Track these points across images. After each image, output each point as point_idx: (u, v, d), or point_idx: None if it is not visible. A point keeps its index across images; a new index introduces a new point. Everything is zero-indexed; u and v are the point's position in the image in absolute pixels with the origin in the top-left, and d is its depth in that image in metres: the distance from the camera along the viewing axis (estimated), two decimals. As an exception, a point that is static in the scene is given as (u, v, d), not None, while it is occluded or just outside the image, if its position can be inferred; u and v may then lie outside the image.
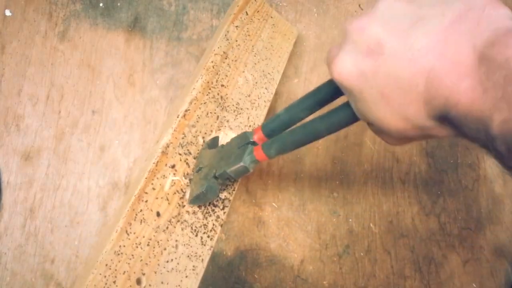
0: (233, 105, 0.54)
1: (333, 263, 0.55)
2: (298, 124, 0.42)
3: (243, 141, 0.46)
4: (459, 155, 0.61)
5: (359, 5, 0.67)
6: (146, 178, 0.47)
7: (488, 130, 0.25)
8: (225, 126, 0.53)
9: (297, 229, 0.56)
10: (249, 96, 0.55)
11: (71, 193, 0.55)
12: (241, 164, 0.43)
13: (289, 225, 0.56)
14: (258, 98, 0.56)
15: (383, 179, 0.59)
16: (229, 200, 0.50)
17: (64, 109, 0.59)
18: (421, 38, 0.28)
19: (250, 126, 0.54)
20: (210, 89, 0.54)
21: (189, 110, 0.52)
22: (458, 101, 0.26)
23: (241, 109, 0.54)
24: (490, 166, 0.61)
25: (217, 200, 0.50)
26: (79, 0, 0.63)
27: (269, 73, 0.58)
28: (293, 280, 0.54)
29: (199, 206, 0.49)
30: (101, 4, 0.64)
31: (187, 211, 0.48)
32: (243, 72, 0.56)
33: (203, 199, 0.48)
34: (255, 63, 0.57)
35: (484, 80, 0.25)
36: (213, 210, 0.49)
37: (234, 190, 0.51)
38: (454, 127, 0.28)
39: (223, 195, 0.50)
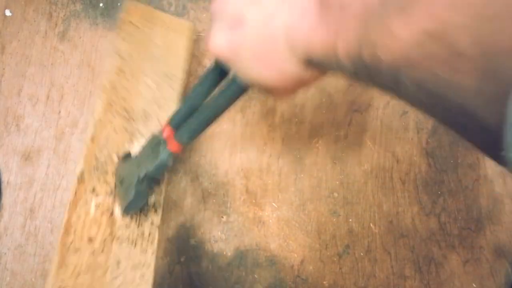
0: (139, 113, 0.54)
1: (333, 263, 0.55)
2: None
3: (154, 142, 0.47)
4: (459, 155, 0.61)
5: (359, 5, 0.67)
6: (68, 210, 0.48)
7: (338, 60, 0.27)
8: (137, 136, 0.53)
9: (297, 229, 0.56)
10: (154, 100, 0.55)
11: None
12: (159, 160, 0.44)
13: (289, 225, 0.56)
14: (165, 99, 0.56)
15: (383, 179, 0.59)
16: (160, 203, 0.50)
17: (64, 109, 0.59)
18: (267, 3, 0.31)
19: (161, 126, 0.54)
20: (112, 106, 0.54)
21: (95, 133, 0.52)
22: (310, 42, 0.29)
23: (150, 114, 0.55)
24: (490, 166, 0.61)
25: (147, 206, 0.50)
26: (79, 0, 0.63)
27: (172, 74, 0.57)
28: (293, 280, 0.54)
29: (132, 218, 0.49)
30: (101, 4, 0.64)
31: (119, 226, 0.48)
32: (144, 80, 0.56)
33: (135, 206, 0.48)
34: (153, 68, 0.57)
35: (324, 16, 0.28)
36: (146, 216, 0.50)
37: (161, 191, 0.51)
38: (322, 68, 0.31)
39: (151, 200, 0.50)
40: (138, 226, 0.49)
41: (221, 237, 0.55)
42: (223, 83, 0.41)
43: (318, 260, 0.55)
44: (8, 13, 0.62)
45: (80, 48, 0.61)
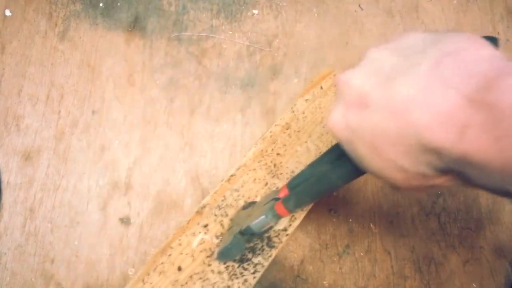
0: (287, 173, 0.54)
1: (333, 263, 0.55)
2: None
3: (270, 198, 0.47)
4: (459, 155, 0.61)
5: (359, 5, 0.67)
6: (174, 234, 0.49)
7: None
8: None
9: (297, 229, 0.56)
10: (307, 164, 0.54)
11: (71, 193, 0.55)
12: (262, 217, 0.45)
13: (289, 225, 0.56)
14: None
15: (383, 179, 0.59)
16: (262, 266, 0.49)
17: (64, 109, 0.59)
18: (402, 89, 0.27)
19: None
20: (263, 156, 0.54)
21: (235, 175, 0.53)
22: (466, 152, 0.25)
23: None
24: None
25: (249, 264, 0.49)
26: (79, 0, 0.63)
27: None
28: (293, 280, 0.54)
29: (226, 267, 0.48)
30: (101, 4, 0.64)
31: (212, 270, 0.48)
32: (306, 142, 0.56)
33: (228, 255, 0.48)
34: (322, 134, 0.56)
35: (490, 128, 0.24)
36: (241, 273, 0.48)
37: (270, 256, 0.50)
38: (466, 177, 0.27)
39: (257, 259, 0.49)
40: (229, 278, 0.48)
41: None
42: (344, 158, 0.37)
43: (318, 260, 0.55)
44: (8, 13, 0.62)
45: (80, 48, 0.61)
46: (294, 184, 0.45)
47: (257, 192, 0.52)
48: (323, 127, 0.48)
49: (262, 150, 0.54)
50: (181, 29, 0.63)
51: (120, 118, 0.59)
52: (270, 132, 0.56)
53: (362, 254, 0.56)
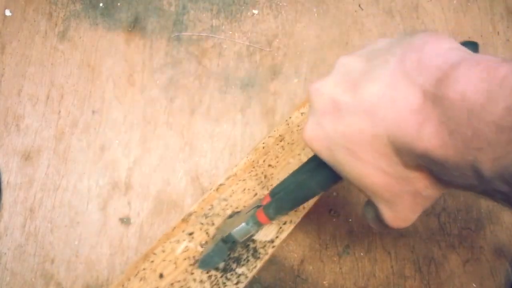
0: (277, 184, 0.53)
1: (333, 263, 0.55)
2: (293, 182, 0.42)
3: (253, 206, 0.47)
4: (459, 155, 0.61)
5: (359, 5, 0.67)
6: (159, 240, 0.49)
7: (479, 174, 0.23)
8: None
9: (297, 229, 0.56)
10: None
11: (71, 193, 0.55)
12: (243, 224, 0.44)
13: (289, 225, 0.56)
14: None
15: (383, 179, 0.59)
16: (246, 277, 0.48)
17: (64, 109, 0.59)
18: (370, 88, 0.27)
19: None
20: (254, 167, 0.53)
21: (224, 184, 0.52)
22: (426, 149, 0.25)
23: None
24: (490, 166, 0.61)
25: (232, 274, 0.48)
26: (79, 0, 0.63)
27: None
28: (293, 280, 0.54)
29: (209, 276, 0.47)
30: (101, 4, 0.64)
31: (194, 279, 0.47)
32: (299, 154, 0.54)
33: (209, 263, 0.47)
34: None
35: (444, 121, 0.24)
36: (224, 284, 0.47)
37: (255, 267, 0.49)
38: (441, 178, 0.27)
39: (240, 270, 0.48)
40: None
41: (221, 237, 0.55)
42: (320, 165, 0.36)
43: (318, 260, 0.55)
44: (8, 13, 0.62)
45: (80, 48, 0.61)
46: (275, 192, 0.45)
47: (245, 202, 0.51)
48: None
49: (253, 161, 0.54)
50: (181, 29, 0.63)
51: (120, 118, 0.59)
52: (263, 143, 0.55)
53: (362, 254, 0.56)
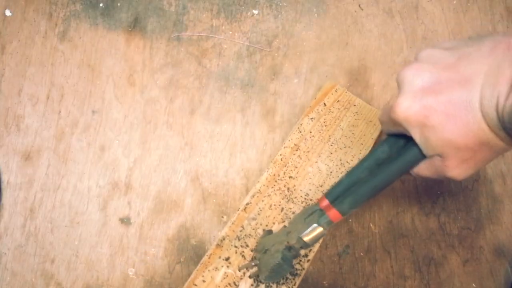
0: (301, 196, 0.53)
1: (333, 263, 0.55)
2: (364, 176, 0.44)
3: (309, 212, 0.46)
4: (459, 155, 0.61)
5: (359, 5, 0.67)
6: (197, 270, 0.49)
7: None
8: (290, 218, 0.52)
9: (297, 229, 0.56)
10: (321, 186, 0.54)
11: (71, 193, 0.55)
12: (315, 225, 0.44)
13: (289, 225, 0.56)
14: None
15: (383, 179, 0.59)
16: None
17: (64, 109, 0.59)
18: (468, 66, 0.35)
19: None
20: (276, 181, 0.54)
21: (250, 203, 0.52)
22: (506, 113, 0.32)
23: (311, 200, 0.53)
24: (490, 166, 0.61)
25: None
26: (79, 0, 0.63)
27: (347, 162, 0.55)
28: (293, 280, 0.54)
29: None
30: (101, 4, 0.64)
31: None
32: (316, 162, 0.55)
33: (278, 272, 0.47)
34: (331, 153, 0.56)
35: None
36: None
37: (294, 285, 0.49)
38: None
39: None
40: None
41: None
42: (392, 157, 0.42)
43: (318, 260, 0.55)
44: (8, 13, 0.62)
45: (80, 48, 0.61)
46: (336, 195, 0.44)
47: (274, 219, 0.51)
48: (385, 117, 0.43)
49: (274, 175, 0.54)
50: (181, 29, 0.63)
51: (120, 118, 0.59)
52: (280, 155, 0.55)
53: (362, 254, 0.56)
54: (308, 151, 0.56)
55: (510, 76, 0.32)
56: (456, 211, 0.58)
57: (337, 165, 0.55)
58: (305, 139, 0.56)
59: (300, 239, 0.45)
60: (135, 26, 0.63)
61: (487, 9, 0.68)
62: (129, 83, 0.60)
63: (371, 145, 0.57)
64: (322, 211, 0.44)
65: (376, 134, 0.58)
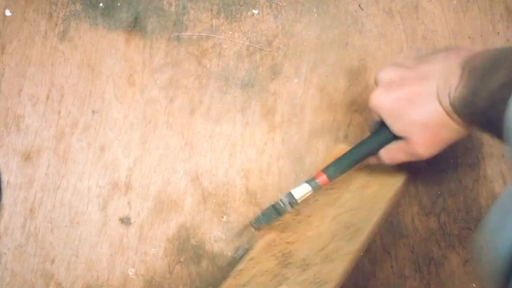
0: (297, 261, 0.49)
1: (333, 263, 0.55)
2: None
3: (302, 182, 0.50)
4: (459, 155, 0.61)
5: (359, 5, 0.67)
6: None
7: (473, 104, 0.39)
8: (282, 284, 0.48)
9: (297, 229, 0.56)
10: (321, 250, 0.49)
11: (71, 193, 0.56)
12: (306, 184, 0.49)
13: (289, 225, 0.56)
14: (334, 252, 0.49)
15: (383, 179, 0.59)
16: None
17: (64, 109, 0.59)
18: (427, 67, 0.44)
19: (316, 283, 0.47)
20: (272, 247, 0.50)
21: (242, 269, 0.49)
22: (454, 98, 0.41)
23: (307, 265, 0.49)
24: (490, 166, 0.60)
25: None
26: (79, 0, 0.63)
27: (353, 225, 0.50)
28: (293, 280, 0.54)
29: None
30: (101, 4, 0.64)
31: None
32: (317, 227, 0.51)
33: (266, 214, 0.50)
34: (335, 216, 0.51)
35: (466, 76, 0.40)
36: None
37: None
38: (468, 119, 0.41)
39: None
40: None
41: (221, 237, 0.55)
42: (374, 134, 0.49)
43: (318, 260, 0.55)
44: (8, 13, 0.62)
45: (80, 48, 0.61)
46: (333, 170, 0.50)
47: (265, 286, 0.48)
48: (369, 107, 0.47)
49: (270, 241, 0.51)
50: (181, 29, 0.63)
51: (120, 118, 0.59)
52: (281, 221, 0.51)
53: (362, 254, 0.56)
54: (309, 216, 0.52)
55: (458, 73, 0.40)
56: (456, 211, 0.58)
57: (341, 228, 0.51)
58: (308, 204, 0.52)
59: (290, 194, 0.49)
60: (135, 26, 0.63)
61: (487, 9, 0.68)
62: (129, 83, 0.60)
63: (383, 208, 0.52)
64: (314, 178, 0.50)
65: (390, 195, 0.52)
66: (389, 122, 0.46)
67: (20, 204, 0.55)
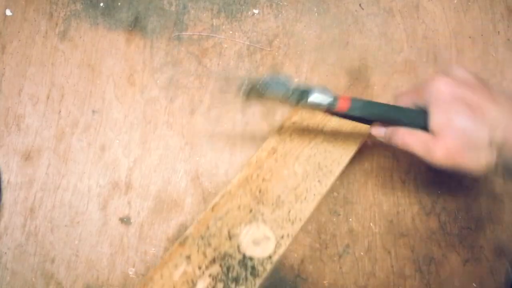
0: (272, 198, 0.52)
1: (333, 263, 0.55)
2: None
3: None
4: (459, 155, 0.61)
5: (360, 5, 0.67)
6: (156, 266, 0.48)
7: None
8: (258, 220, 0.51)
9: (297, 228, 0.56)
10: (295, 189, 0.52)
11: (71, 193, 0.56)
12: (327, 91, 0.45)
13: (289, 225, 0.56)
14: (307, 191, 0.52)
15: (383, 178, 0.59)
16: None
17: (65, 109, 0.59)
18: (507, 103, 0.42)
19: (289, 219, 0.51)
20: (248, 183, 0.52)
21: (218, 203, 0.51)
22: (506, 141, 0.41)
23: (283, 203, 0.52)
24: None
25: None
26: (80, 0, 0.63)
27: (326, 166, 0.53)
28: (293, 279, 0.54)
29: None
30: (101, 4, 0.64)
31: None
32: (293, 165, 0.53)
33: (275, 82, 0.45)
34: (309, 156, 0.54)
35: None
36: None
37: (254, 285, 0.48)
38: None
39: None
40: None
41: (221, 237, 0.55)
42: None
43: (318, 259, 0.55)
44: (8, 12, 0.62)
45: (80, 48, 0.61)
46: (358, 107, 0.46)
47: (241, 220, 0.50)
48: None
49: (247, 177, 0.53)
50: (181, 29, 0.63)
51: (120, 118, 0.59)
52: (256, 157, 0.54)
53: (362, 253, 0.56)
54: (286, 155, 0.54)
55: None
56: (457, 211, 0.58)
57: (314, 169, 0.53)
58: (284, 142, 0.54)
59: (305, 92, 0.45)
60: (136, 25, 0.63)
61: (487, 8, 0.67)
62: (129, 83, 0.60)
63: (353, 150, 0.55)
64: (337, 98, 0.45)
65: (360, 140, 0.56)
66: (434, 111, 0.43)
67: (20, 204, 0.55)
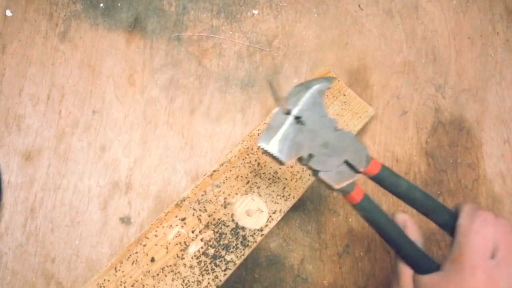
0: (269, 173, 0.53)
1: (333, 263, 0.55)
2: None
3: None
4: (458, 155, 0.61)
5: (359, 5, 0.67)
6: (152, 224, 0.49)
7: None
8: (254, 192, 0.52)
9: (297, 228, 0.56)
10: (292, 167, 0.54)
11: (72, 193, 0.56)
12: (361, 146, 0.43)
13: (289, 225, 0.56)
14: (302, 171, 0.54)
15: (383, 178, 0.59)
16: (234, 264, 0.49)
17: (65, 109, 0.59)
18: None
19: (283, 196, 0.52)
20: (248, 154, 0.54)
21: (217, 170, 0.52)
22: None
23: (278, 178, 0.53)
24: (489, 166, 0.61)
25: (221, 260, 0.49)
26: (80, 1, 0.64)
27: None
28: (293, 279, 0.54)
29: (199, 262, 0.48)
30: (101, 5, 0.64)
31: (184, 264, 0.48)
32: None
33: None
34: None
35: None
36: (213, 270, 0.48)
37: (243, 255, 0.49)
38: None
39: (229, 257, 0.49)
40: (200, 273, 0.48)
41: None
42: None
43: (318, 259, 0.55)
44: (8, 13, 0.62)
45: (80, 48, 0.62)
46: (384, 178, 0.46)
47: (238, 190, 0.52)
48: None
49: (248, 148, 0.54)
50: (181, 29, 0.64)
51: (120, 118, 0.59)
52: (258, 130, 0.55)
53: (362, 253, 0.56)
54: None
55: None
56: (456, 211, 0.58)
57: None
58: None
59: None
60: (136, 26, 0.63)
61: (486, 9, 0.68)
62: (130, 83, 0.61)
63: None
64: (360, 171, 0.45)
65: (359, 127, 0.57)
66: (468, 245, 0.41)
67: (21, 204, 0.55)
